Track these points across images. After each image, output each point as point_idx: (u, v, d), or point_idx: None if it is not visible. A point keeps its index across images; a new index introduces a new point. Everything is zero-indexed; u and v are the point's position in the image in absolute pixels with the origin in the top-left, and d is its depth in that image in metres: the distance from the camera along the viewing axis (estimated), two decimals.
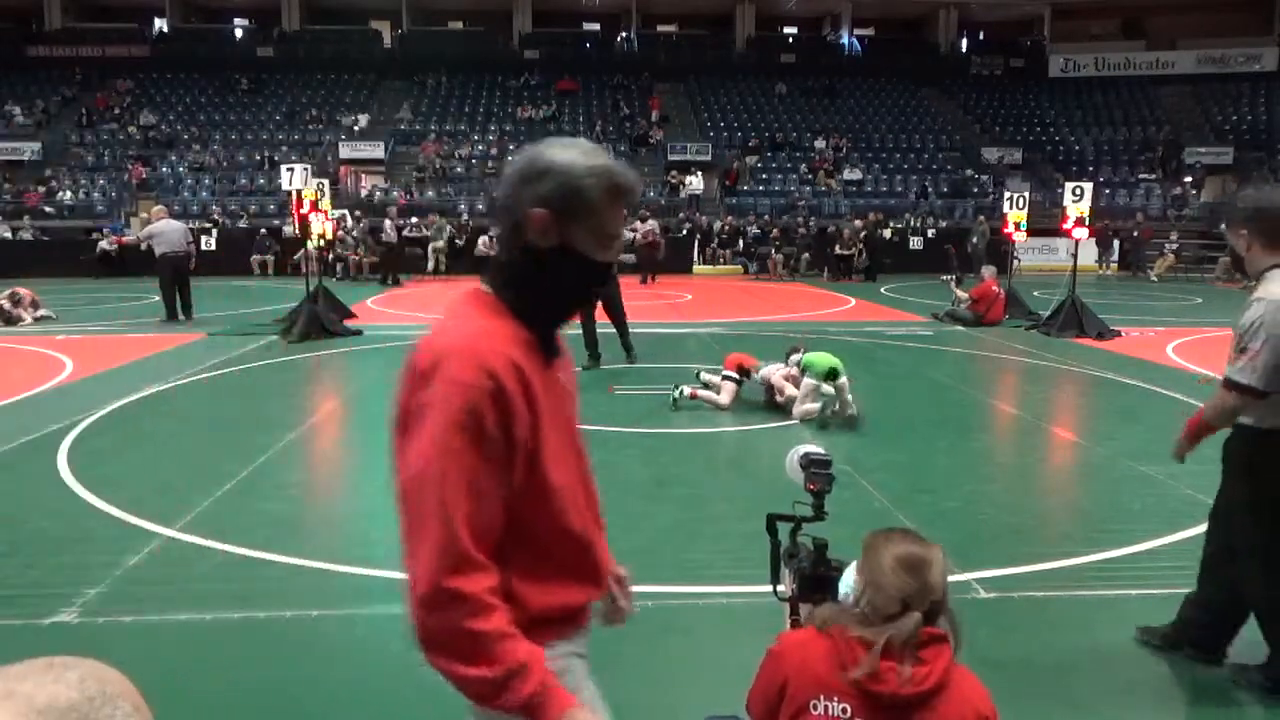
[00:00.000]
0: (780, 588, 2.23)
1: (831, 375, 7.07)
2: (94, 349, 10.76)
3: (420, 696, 3.24)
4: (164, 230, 13.20)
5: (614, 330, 9.94)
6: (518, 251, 1.47)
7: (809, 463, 2.24)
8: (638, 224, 21.43)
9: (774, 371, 7.59)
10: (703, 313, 15.03)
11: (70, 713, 0.67)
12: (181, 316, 13.15)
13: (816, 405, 7.24)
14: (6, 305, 13.07)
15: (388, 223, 21.18)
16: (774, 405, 7.58)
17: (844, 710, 1.68)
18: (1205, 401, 3.28)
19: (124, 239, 17.57)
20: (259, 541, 4.59)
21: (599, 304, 9.48)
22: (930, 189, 27.15)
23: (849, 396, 7.13)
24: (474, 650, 1.31)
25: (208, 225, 22.91)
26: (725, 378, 7.74)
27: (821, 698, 1.69)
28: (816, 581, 2.12)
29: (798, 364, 7.40)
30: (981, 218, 22.55)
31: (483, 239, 22.96)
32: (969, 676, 1.73)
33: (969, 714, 1.67)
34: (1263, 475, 3.09)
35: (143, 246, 13.94)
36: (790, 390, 7.39)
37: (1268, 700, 3.18)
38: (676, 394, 7.66)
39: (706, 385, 7.87)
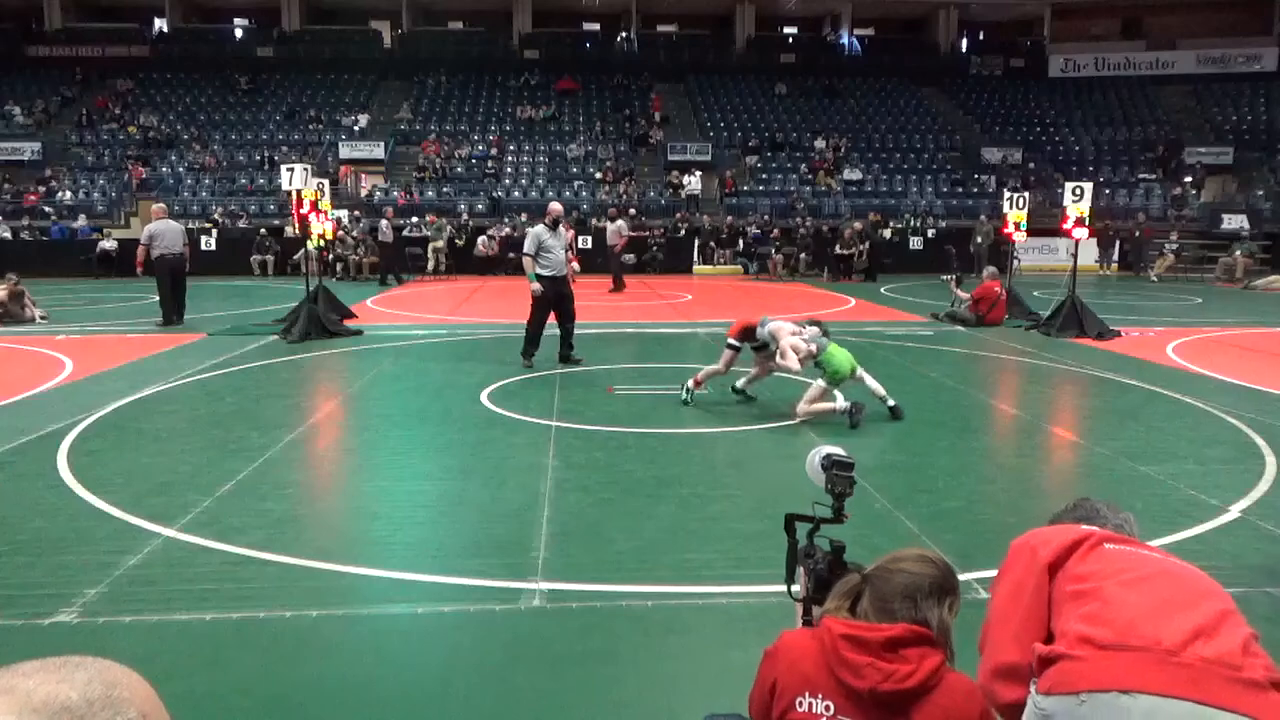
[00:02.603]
0: (795, 588, 2.23)
1: (850, 374, 7.14)
2: (94, 349, 10.76)
3: (420, 697, 3.24)
4: (163, 231, 12.98)
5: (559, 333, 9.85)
6: None
7: (831, 464, 2.23)
8: (606, 224, 20.59)
9: (784, 330, 7.31)
10: (703, 313, 15.02)
11: (64, 713, 0.67)
12: (174, 318, 13.02)
13: (825, 406, 7.12)
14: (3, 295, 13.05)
15: (384, 223, 21.11)
16: (764, 369, 7.61)
17: (828, 707, 1.68)
18: None
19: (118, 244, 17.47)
20: (259, 541, 4.59)
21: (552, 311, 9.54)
22: (930, 189, 27.17)
23: (871, 383, 7.25)
24: None
25: (208, 225, 22.94)
26: (728, 346, 7.68)
27: (807, 694, 1.70)
28: (832, 584, 2.12)
29: (812, 341, 7.21)
30: (984, 217, 22.56)
31: (482, 239, 22.98)
32: (969, 688, 1.70)
33: (957, 716, 1.65)
34: None
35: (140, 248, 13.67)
36: (791, 360, 7.08)
37: None
38: (686, 396, 7.70)
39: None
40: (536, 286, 9.44)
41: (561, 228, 9.77)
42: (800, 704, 1.69)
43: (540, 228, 9.57)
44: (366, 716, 3.13)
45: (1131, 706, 1.51)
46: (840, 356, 7.18)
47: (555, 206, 9.96)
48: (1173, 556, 1.88)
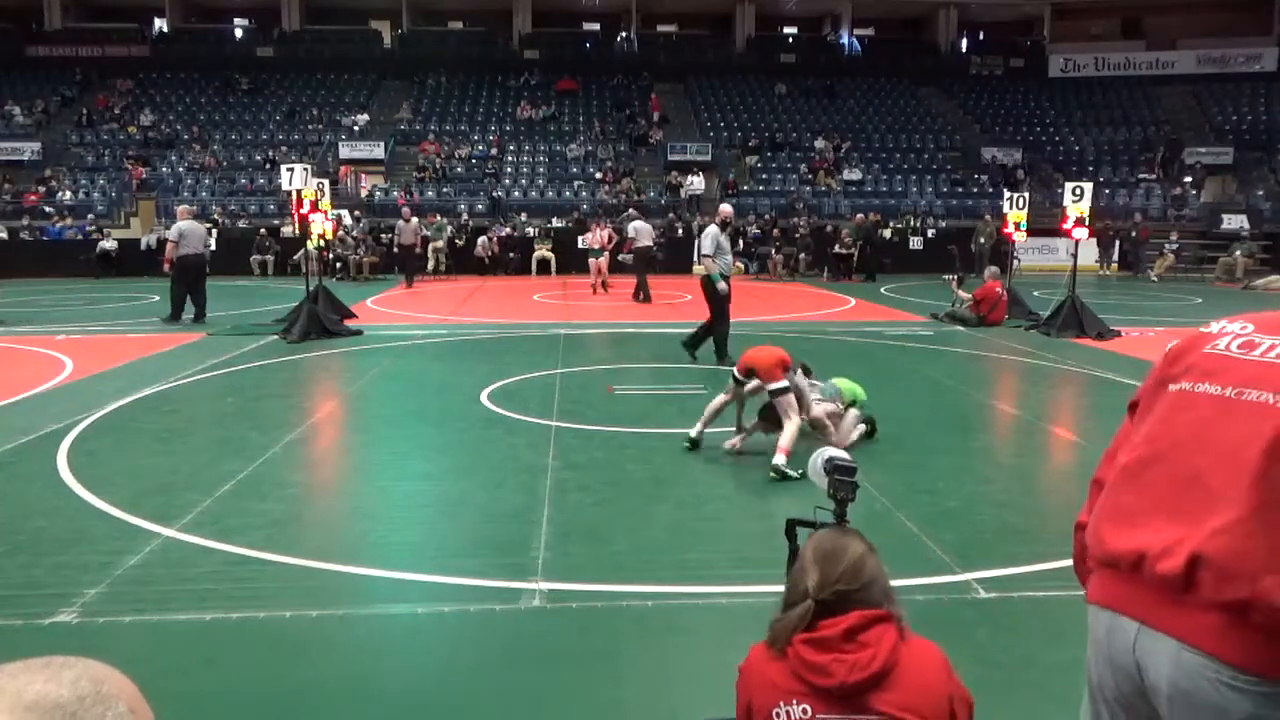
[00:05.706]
0: None
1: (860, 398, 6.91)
2: (94, 349, 10.75)
3: (420, 697, 3.24)
4: (191, 231, 13.26)
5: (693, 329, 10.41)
6: None
7: (833, 468, 2.22)
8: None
9: (816, 403, 6.65)
10: (703, 313, 14.97)
11: (57, 711, 0.67)
12: (189, 318, 13.06)
13: (857, 431, 6.73)
14: None
15: (416, 220, 20.88)
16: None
17: (804, 711, 1.72)
18: None
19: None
20: (259, 541, 4.59)
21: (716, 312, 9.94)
22: (930, 189, 27.16)
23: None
24: None
25: (208, 225, 22.92)
26: (735, 380, 6.82)
27: (781, 703, 1.73)
28: None
29: (836, 394, 6.75)
30: (988, 216, 22.56)
31: (481, 239, 22.97)
32: (928, 651, 1.75)
33: (924, 688, 1.70)
34: None
35: (156, 244, 13.95)
36: (831, 428, 6.58)
37: None
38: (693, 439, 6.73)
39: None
40: (723, 285, 9.74)
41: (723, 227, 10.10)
42: (777, 715, 1.73)
43: (714, 228, 9.87)
44: (366, 716, 3.13)
45: (1100, 618, 1.69)
46: (848, 385, 6.83)
47: (726, 208, 10.61)
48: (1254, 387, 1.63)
